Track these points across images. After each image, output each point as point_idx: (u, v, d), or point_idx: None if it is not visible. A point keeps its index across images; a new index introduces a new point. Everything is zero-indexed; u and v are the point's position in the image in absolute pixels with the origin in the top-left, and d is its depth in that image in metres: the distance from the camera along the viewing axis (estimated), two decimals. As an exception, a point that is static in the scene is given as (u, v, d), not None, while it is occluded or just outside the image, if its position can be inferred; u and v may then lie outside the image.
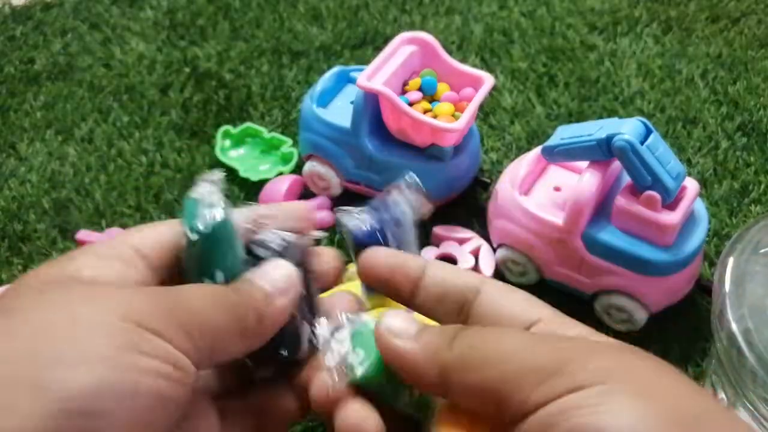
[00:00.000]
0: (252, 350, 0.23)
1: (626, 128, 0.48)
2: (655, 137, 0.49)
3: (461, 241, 0.56)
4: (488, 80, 0.55)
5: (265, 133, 0.65)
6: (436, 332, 0.22)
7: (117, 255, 0.22)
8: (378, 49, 0.57)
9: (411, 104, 0.53)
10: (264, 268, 0.23)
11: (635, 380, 0.18)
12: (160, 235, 0.24)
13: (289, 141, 0.63)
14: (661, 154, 0.49)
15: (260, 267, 0.23)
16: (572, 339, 0.21)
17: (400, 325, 0.22)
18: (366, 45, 0.74)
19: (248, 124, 0.65)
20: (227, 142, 0.65)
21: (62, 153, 0.65)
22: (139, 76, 0.72)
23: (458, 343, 0.21)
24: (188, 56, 0.74)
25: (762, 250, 0.48)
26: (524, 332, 0.21)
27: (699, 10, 0.77)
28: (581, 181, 0.49)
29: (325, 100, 0.59)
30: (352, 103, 0.56)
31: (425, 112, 0.54)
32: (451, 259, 0.55)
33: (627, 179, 0.51)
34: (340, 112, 0.57)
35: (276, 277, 0.23)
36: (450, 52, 0.59)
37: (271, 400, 0.25)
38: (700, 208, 0.52)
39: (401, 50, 0.55)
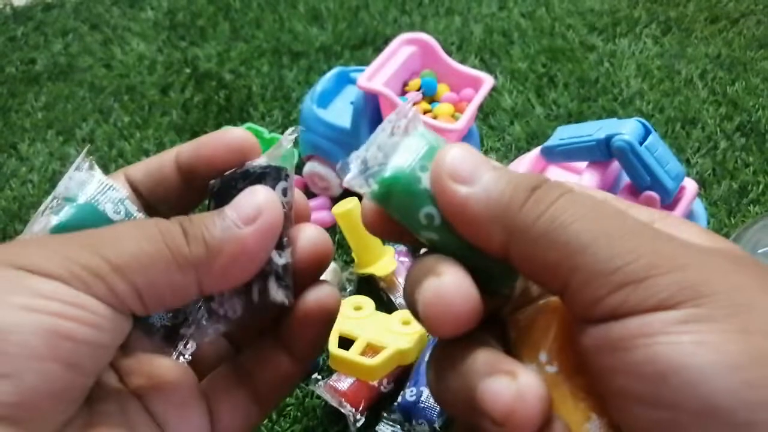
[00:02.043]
0: (215, 292, 0.19)
1: (625, 129, 0.48)
2: (654, 138, 0.49)
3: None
4: (488, 81, 0.55)
5: (266, 133, 0.65)
6: (511, 183, 0.17)
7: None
8: (378, 50, 0.57)
9: (411, 105, 0.54)
10: (236, 197, 0.19)
11: (741, 307, 0.14)
12: (150, 167, 0.21)
13: (290, 141, 0.63)
14: (660, 155, 0.49)
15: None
16: (673, 239, 0.16)
17: (467, 168, 0.17)
18: (366, 46, 0.74)
19: (248, 124, 0.65)
20: (228, 143, 0.65)
21: (63, 153, 0.65)
22: (140, 76, 0.72)
23: (533, 207, 0.16)
24: (189, 57, 0.74)
25: (761, 250, 0.48)
26: (618, 213, 0.16)
27: (698, 11, 0.77)
28: (580, 182, 0.49)
29: (325, 100, 0.59)
30: (352, 103, 0.56)
31: (425, 112, 0.54)
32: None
33: (626, 179, 0.51)
34: (340, 113, 0.57)
35: (243, 202, 0.19)
36: (450, 53, 0.59)
37: (259, 363, 0.21)
38: (699, 208, 0.52)
39: (401, 51, 0.55)
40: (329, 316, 0.21)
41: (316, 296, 0.20)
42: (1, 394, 0.15)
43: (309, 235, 0.21)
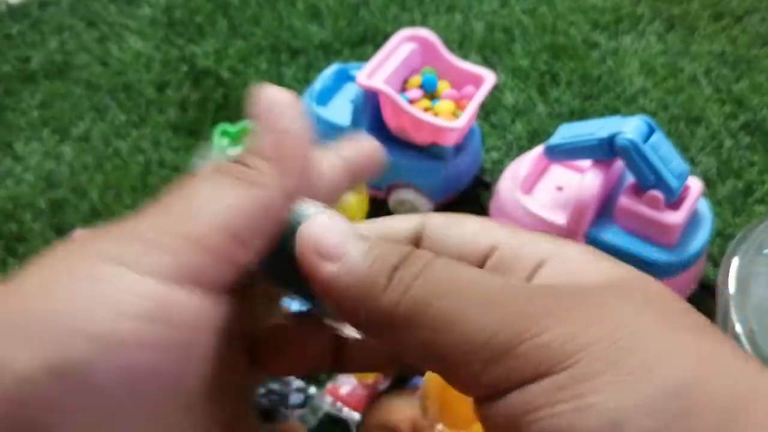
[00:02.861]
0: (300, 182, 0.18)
1: (629, 127, 0.48)
2: (658, 136, 0.49)
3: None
4: (489, 78, 0.54)
5: (264, 131, 0.64)
6: (375, 262, 0.16)
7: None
8: (378, 47, 0.56)
9: (411, 102, 0.53)
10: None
11: (621, 350, 0.13)
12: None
13: (288, 140, 0.63)
14: (664, 153, 0.48)
15: None
16: (545, 293, 0.15)
17: (332, 241, 0.16)
18: (366, 42, 0.74)
19: (246, 122, 0.65)
20: (225, 141, 0.64)
21: (58, 152, 0.65)
22: (137, 74, 0.71)
23: (392, 292, 0.15)
24: (186, 54, 0.73)
25: (766, 251, 0.48)
26: (483, 281, 0.15)
27: (702, 8, 0.76)
28: (584, 181, 0.48)
29: (324, 98, 0.58)
30: (351, 101, 0.55)
31: (426, 110, 0.53)
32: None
33: (630, 179, 0.50)
34: (339, 111, 0.57)
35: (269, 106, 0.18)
36: (451, 50, 0.58)
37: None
38: (704, 207, 0.52)
39: (401, 48, 0.55)
40: None
41: None
42: None
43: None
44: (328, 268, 0.16)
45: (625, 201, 0.48)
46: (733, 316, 0.44)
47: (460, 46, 0.73)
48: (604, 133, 0.48)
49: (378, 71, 0.52)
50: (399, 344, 0.16)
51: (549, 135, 0.55)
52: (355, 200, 0.54)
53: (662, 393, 0.13)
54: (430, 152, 0.55)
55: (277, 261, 0.18)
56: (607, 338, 0.13)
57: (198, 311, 0.15)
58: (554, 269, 0.16)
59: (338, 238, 0.16)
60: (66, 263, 0.15)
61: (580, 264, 0.16)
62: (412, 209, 0.57)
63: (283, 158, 0.18)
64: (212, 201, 0.16)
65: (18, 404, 0.13)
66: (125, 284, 0.14)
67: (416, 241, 0.18)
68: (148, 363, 0.14)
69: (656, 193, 0.48)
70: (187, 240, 0.15)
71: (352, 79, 0.60)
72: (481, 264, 0.17)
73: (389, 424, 0.17)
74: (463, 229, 0.18)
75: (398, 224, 0.19)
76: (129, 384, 0.14)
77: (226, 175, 0.17)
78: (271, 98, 0.18)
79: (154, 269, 0.15)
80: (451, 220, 0.18)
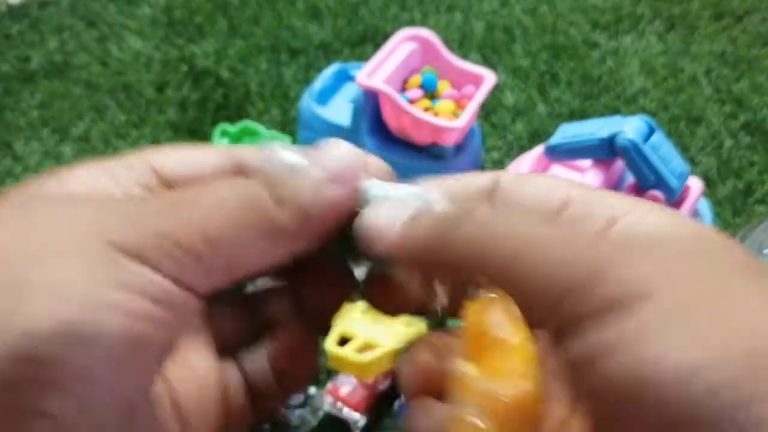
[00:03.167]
0: (288, 257, 0.18)
1: (629, 127, 0.48)
2: (658, 136, 0.49)
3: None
4: (490, 78, 0.54)
5: (264, 131, 0.64)
6: (430, 225, 0.17)
7: (132, 175, 0.17)
8: (378, 47, 0.56)
9: (411, 102, 0.53)
10: (319, 150, 0.18)
11: (693, 303, 0.13)
12: (186, 158, 0.18)
13: (288, 139, 0.63)
14: (664, 153, 0.49)
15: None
16: (603, 237, 0.15)
17: (386, 214, 0.17)
18: (366, 42, 0.74)
19: (246, 122, 0.65)
20: (225, 141, 0.64)
21: (58, 152, 0.64)
22: (136, 74, 0.71)
23: (473, 223, 0.16)
24: (186, 54, 0.73)
25: (766, 251, 0.47)
26: (542, 225, 0.16)
27: (702, 8, 0.76)
28: (584, 181, 0.48)
29: (324, 98, 0.58)
30: (351, 101, 0.55)
31: (426, 110, 0.53)
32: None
33: (630, 178, 0.50)
34: (339, 111, 0.57)
35: (329, 158, 0.18)
36: (451, 50, 0.58)
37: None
38: (704, 207, 0.52)
39: (401, 47, 0.55)
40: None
41: None
42: (66, 409, 0.14)
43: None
44: (392, 236, 0.17)
45: (625, 201, 0.48)
46: (734, 316, 0.44)
47: (460, 45, 0.73)
48: (604, 133, 0.48)
49: (378, 71, 0.52)
50: (474, 276, 0.16)
51: (549, 135, 0.55)
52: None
53: (738, 349, 0.12)
54: (431, 152, 0.55)
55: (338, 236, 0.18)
56: (685, 285, 0.13)
57: (186, 304, 0.16)
58: (628, 225, 0.16)
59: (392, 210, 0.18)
60: (68, 236, 0.15)
61: (656, 220, 0.16)
62: (412, 209, 0.57)
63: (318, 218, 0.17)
64: (225, 221, 0.16)
65: (23, 357, 0.14)
66: (127, 269, 0.15)
67: (489, 197, 0.19)
68: (146, 332, 0.15)
69: (656, 193, 0.48)
70: (183, 247, 0.16)
71: (352, 78, 0.60)
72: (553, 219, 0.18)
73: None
74: (535, 184, 0.18)
75: (471, 180, 0.19)
76: (130, 347, 0.15)
77: (255, 196, 0.17)
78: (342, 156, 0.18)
79: (155, 262, 0.15)
80: (523, 177, 0.18)
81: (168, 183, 0.18)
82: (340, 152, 0.18)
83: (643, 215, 0.16)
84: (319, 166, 0.17)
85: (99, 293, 0.14)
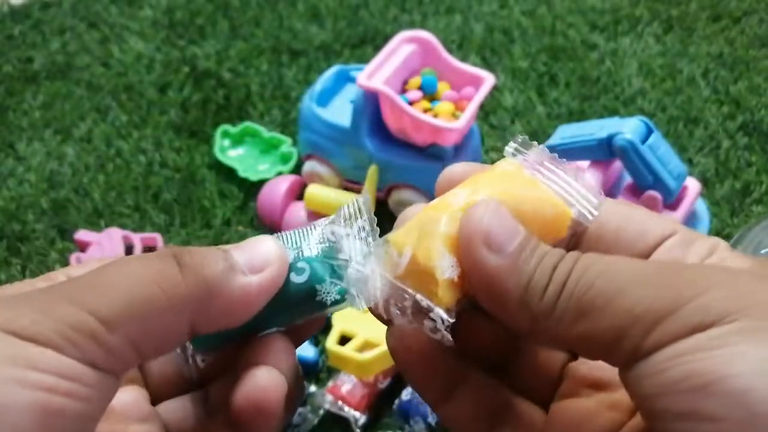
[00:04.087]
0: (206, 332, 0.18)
1: (627, 128, 0.48)
2: (656, 137, 0.49)
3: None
4: (489, 79, 0.54)
5: (265, 132, 0.64)
6: (537, 260, 0.17)
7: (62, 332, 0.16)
8: (378, 48, 0.57)
9: (411, 103, 0.53)
10: (248, 241, 0.19)
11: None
12: (126, 300, 0.17)
13: (289, 140, 0.63)
14: (662, 154, 0.49)
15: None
16: (697, 266, 0.16)
17: (502, 234, 0.16)
18: (366, 44, 0.74)
19: (247, 123, 0.65)
20: (226, 142, 0.64)
21: (61, 153, 0.65)
22: (138, 75, 0.72)
23: (553, 289, 0.16)
24: (187, 55, 0.73)
25: (763, 251, 0.48)
26: (629, 262, 0.16)
27: (700, 9, 0.77)
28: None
29: (324, 99, 0.59)
30: (351, 102, 0.56)
31: (425, 111, 0.53)
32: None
33: (628, 179, 0.51)
34: (339, 112, 0.57)
35: (253, 249, 0.18)
36: (450, 51, 0.58)
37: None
38: (702, 207, 0.52)
39: (401, 49, 0.55)
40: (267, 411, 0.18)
41: (245, 391, 0.18)
42: None
43: (255, 381, 0.18)
44: (494, 261, 0.16)
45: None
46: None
47: (460, 47, 0.73)
48: (602, 134, 0.48)
49: (378, 72, 0.53)
50: (555, 340, 0.16)
51: (548, 135, 0.56)
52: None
53: None
54: (430, 153, 0.55)
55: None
56: (758, 308, 0.14)
57: (99, 381, 0.16)
58: (722, 255, 0.17)
59: (508, 233, 0.17)
60: None
61: (734, 258, 0.17)
62: (412, 209, 0.57)
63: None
64: (129, 297, 0.16)
65: None
66: (27, 351, 0.15)
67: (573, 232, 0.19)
68: (55, 403, 0.15)
69: (654, 194, 0.48)
70: (92, 335, 0.16)
71: (352, 80, 0.60)
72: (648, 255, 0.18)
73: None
74: (636, 215, 0.19)
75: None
76: (38, 418, 0.15)
77: (158, 270, 0.17)
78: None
79: (54, 345, 0.15)
80: (624, 206, 0.19)
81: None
82: (264, 248, 0.18)
83: (734, 260, 0.17)
84: (241, 252, 0.18)
85: (5, 372, 0.14)
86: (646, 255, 0.18)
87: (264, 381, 0.18)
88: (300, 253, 0.19)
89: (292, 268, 0.19)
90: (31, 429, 0.15)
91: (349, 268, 0.19)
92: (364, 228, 0.20)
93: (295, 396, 0.20)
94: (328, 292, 0.19)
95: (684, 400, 0.14)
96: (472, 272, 0.17)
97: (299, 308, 0.19)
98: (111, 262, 0.17)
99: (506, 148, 0.19)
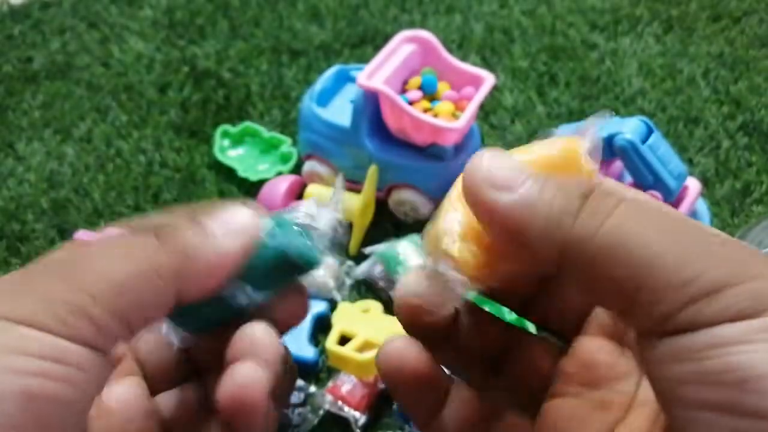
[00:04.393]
0: (187, 304, 0.18)
1: (627, 128, 0.48)
2: (656, 137, 0.49)
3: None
4: (489, 79, 0.54)
5: (265, 132, 0.64)
6: (560, 189, 0.15)
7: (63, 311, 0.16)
8: (378, 48, 0.57)
9: (411, 103, 0.53)
10: (219, 207, 0.19)
11: None
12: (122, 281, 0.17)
13: (289, 140, 0.63)
14: (662, 154, 0.49)
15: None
16: (744, 247, 0.15)
17: (505, 173, 0.16)
18: (366, 44, 0.74)
19: (247, 123, 0.65)
20: (226, 142, 0.64)
21: (60, 152, 0.65)
22: (138, 75, 0.72)
23: (590, 218, 0.15)
24: (187, 55, 0.73)
25: (765, 251, 0.48)
26: (684, 221, 0.15)
27: (700, 9, 0.77)
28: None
29: (324, 99, 0.59)
30: (351, 102, 0.56)
31: (425, 111, 0.53)
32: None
33: (629, 178, 0.51)
34: (339, 112, 0.57)
35: (225, 216, 0.19)
36: (450, 51, 0.58)
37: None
38: (702, 207, 0.52)
39: (401, 49, 0.55)
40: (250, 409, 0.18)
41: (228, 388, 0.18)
42: None
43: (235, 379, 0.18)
44: (505, 198, 0.16)
45: (623, 201, 0.49)
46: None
47: (460, 46, 0.73)
48: (602, 134, 0.48)
49: (378, 72, 0.53)
50: (583, 278, 0.15)
51: (548, 136, 0.56)
52: (362, 203, 0.54)
53: None
54: (430, 153, 0.55)
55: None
56: None
57: (90, 359, 0.16)
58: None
59: (511, 170, 0.16)
60: None
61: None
62: (412, 210, 0.57)
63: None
64: (107, 275, 0.17)
65: None
66: (17, 334, 0.15)
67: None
68: (46, 390, 0.15)
69: (654, 193, 0.48)
70: (75, 311, 0.16)
71: (352, 79, 0.60)
72: None
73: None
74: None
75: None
76: (28, 405, 0.15)
77: (140, 245, 0.17)
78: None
79: (44, 325, 0.16)
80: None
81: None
82: (238, 211, 0.19)
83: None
84: (214, 220, 0.18)
85: None
86: None
87: (244, 377, 0.18)
88: (273, 222, 0.20)
89: (265, 233, 0.19)
90: (21, 417, 0.15)
91: (318, 232, 0.20)
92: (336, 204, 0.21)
93: (285, 386, 0.20)
94: (300, 256, 0.19)
95: (724, 393, 0.14)
96: (484, 216, 0.16)
97: (273, 274, 0.19)
98: (91, 241, 0.17)
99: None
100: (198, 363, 0.21)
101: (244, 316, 0.19)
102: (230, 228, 0.18)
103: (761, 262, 0.15)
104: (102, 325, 0.16)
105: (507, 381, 0.20)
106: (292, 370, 0.21)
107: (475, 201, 0.16)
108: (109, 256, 0.17)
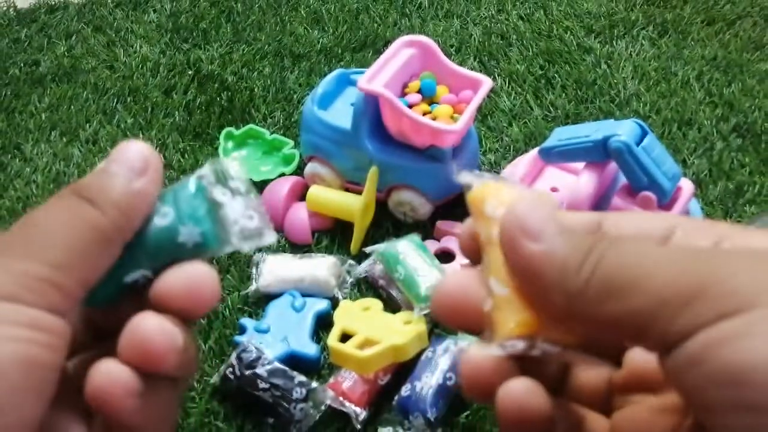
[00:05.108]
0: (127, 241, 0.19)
1: (622, 130, 0.49)
2: (650, 139, 0.50)
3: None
4: (486, 83, 0.55)
5: (267, 134, 0.65)
6: (572, 244, 0.17)
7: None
8: (378, 52, 0.58)
9: (410, 106, 0.54)
10: (118, 150, 0.20)
11: None
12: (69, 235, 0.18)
13: (291, 142, 0.64)
14: (656, 156, 0.50)
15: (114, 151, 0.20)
16: (722, 251, 0.17)
17: (536, 223, 0.17)
18: (366, 48, 0.75)
19: (250, 125, 0.66)
20: (230, 144, 0.65)
21: (67, 154, 0.66)
22: (143, 78, 0.73)
23: (586, 270, 0.17)
24: (191, 59, 0.74)
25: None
26: (657, 247, 0.17)
27: (694, 13, 0.78)
28: (578, 182, 0.50)
29: (326, 102, 0.60)
30: (352, 105, 0.57)
31: (424, 114, 0.54)
32: (449, 254, 0.56)
33: (623, 180, 0.52)
34: (340, 114, 0.58)
35: (128, 156, 0.20)
36: (449, 55, 0.59)
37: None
38: (696, 208, 0.53)
39: (401, 53, 0.56)
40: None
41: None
42: None
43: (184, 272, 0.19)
44: (532, 247, 0.17)
45: (618, 202, 0.50)
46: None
47: (458, 50, 0.74)
48: (598, 136, 0.49)
49: (378, 76, 0.54)
50: (590, 322, 0.17)
51: (545, 137, 0.57)
52: (362, 204, 0.55)
53: None
54: (429, 155, 0.56)
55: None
56: None
57: (61, 326, 0.18)
58: (733, 244, 0.18)
59: (543, 221, 0.18)
60: None
61: (758, 239, 0.18)
62: (411, 210, 0.58)
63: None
64: (66, 245, 0.18)
65: None
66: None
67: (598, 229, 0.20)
68: (33, 354, 0.17)
69: (649, 195, 0.49)
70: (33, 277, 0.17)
71: (353, 83, 0.61)
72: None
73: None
74: (640, 217, 0.19)
75: (579, 216, 0.20)
76: (23, 368, 0.17)
77: (79, 210, 0.19)
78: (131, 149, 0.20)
79: (22, 298, 0.17)
80: (628, 214, 0.20)
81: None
82: (137, 149, 0.20)
83: (746, 236, 0.18)
84: (119, 164, 0.19)
85: None
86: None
87: (102, 375, 0.18)
88: (166, 195, 0.20)
89: (156, 209, 0.20)
90: (18, 381, 0.16)
91: (236, 221, 0.20)
92: (239, 188, 0.21)
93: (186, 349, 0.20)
94: (191, 234, 0.20)
95: (724, 392, 0.14)
96: (514, 263, 0.18)
97: (162, 249, 0.20)
98: (30, 215, 0.19)
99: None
100: (102, 331, 0.22)
101: (136, 290, 0.20)
102: (138, 165, 0.20)
103: (738, 262, 0.16)
104: (69, 292, 0.18)
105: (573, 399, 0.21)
106: (193, 344, 0.20)
107: (509, 247, 0.18)
108: (59, 226, 0.18)
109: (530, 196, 0.19)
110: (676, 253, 0.16)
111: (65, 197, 0.19)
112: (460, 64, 0.62)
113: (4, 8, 0.82)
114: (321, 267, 0.53)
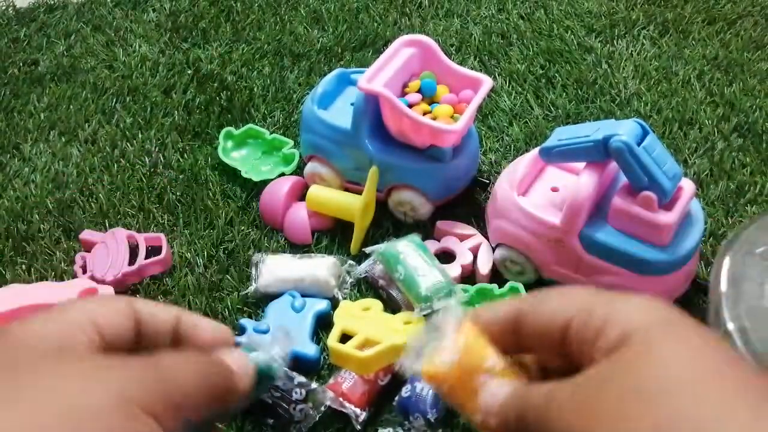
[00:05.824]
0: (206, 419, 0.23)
1: (623, 129, 0.49)
2: (651, 138, 0.50)
3: (462, 238, 0.56)
4: (487, 82, 0.55)
5: (267, 134, 0.65)
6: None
7: (76, 326, 0.21)
8: (378, 52, 0.58)
9: (411, 106, 0.54)
10: (230, 355, 0.26)
11: (674, 330, 0.20)
12: (117, 311, 0.22)
13: (291, 142, 0.64)
14: (657, 155, 0.50)
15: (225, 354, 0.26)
16: (602, 292, 0.22)
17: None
18: (366, 47, 0.75)
19: (250, 125, 0.66)
20: (229, 143, 0.65)
21: (66, 154, 0.66)
22: (142, 77, 0.73)
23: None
24: (191, 58, 0.74)
25: (758, 250, 0.49)
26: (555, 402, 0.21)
27: (695, 13, 0.78)
28: (578, 182, 0.50)
29: (326, 101, 0.60)
30: (352, 104, 0.56)
31: (425, 113, 0.54)
32: (449, 254, 0.56)
33: (624, 180, 0.52)
34: (340, 114, 0.58)
35: (241, 362, 0.26)
36: (449, 55, 0.59)
37: None
38: (697, 208, 0.53)
39: (401, 53, 0.56)
40: None
41: None
42: None
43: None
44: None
45: (619, 202, 0.49)
46: (725, 314, 0.45)
47: (458, 50, 0.74)
48: (598, 136, 0.49)
49: (378, 75, 0.53)
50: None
51: (545, 137, 0.57)
52: (362, 204, 0.55)
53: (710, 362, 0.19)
54: (429, 154, 0.56)
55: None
56: (662, 326, 0.20)
57: None
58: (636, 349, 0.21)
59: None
60: (101, 395, 0.20)
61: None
62: (411, 210, 0.58)
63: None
64: (201, 391, 0.22)
65: None
66: (141, 419, 0.20)
67: (516, 322, 0.24)
68: None
69: (650, 194, 0.49)
70: None
71: (353, 83, 0.61)
72: (562, 337, 0.22)
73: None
74: (545, 309, 0.23)
75: (499, 310, 0.24)
76: None
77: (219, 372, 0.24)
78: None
79: (156, 415, 0.20)
80: (538, 300, 0.23)
81: (101, 332, 0.22)
82: (245, 359, 0.26)
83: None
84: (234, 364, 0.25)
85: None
86: (560, 340, 0.22)
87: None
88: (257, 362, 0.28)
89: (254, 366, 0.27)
90: None
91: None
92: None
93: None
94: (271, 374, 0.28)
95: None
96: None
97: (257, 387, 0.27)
98: (172, 356, 0.22)
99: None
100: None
101: None
102: (245, 371, 0.25)
103: (608, 296, 0.21)
104: (179, 422, 0.21)
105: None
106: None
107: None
108: (196, 377, 0.22)
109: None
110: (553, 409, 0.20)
111: (213, 360, 0.25)
112: (461, 63, 0.62)
113: (3, 7, 0.82)
114: (321, 267, 0.53)
